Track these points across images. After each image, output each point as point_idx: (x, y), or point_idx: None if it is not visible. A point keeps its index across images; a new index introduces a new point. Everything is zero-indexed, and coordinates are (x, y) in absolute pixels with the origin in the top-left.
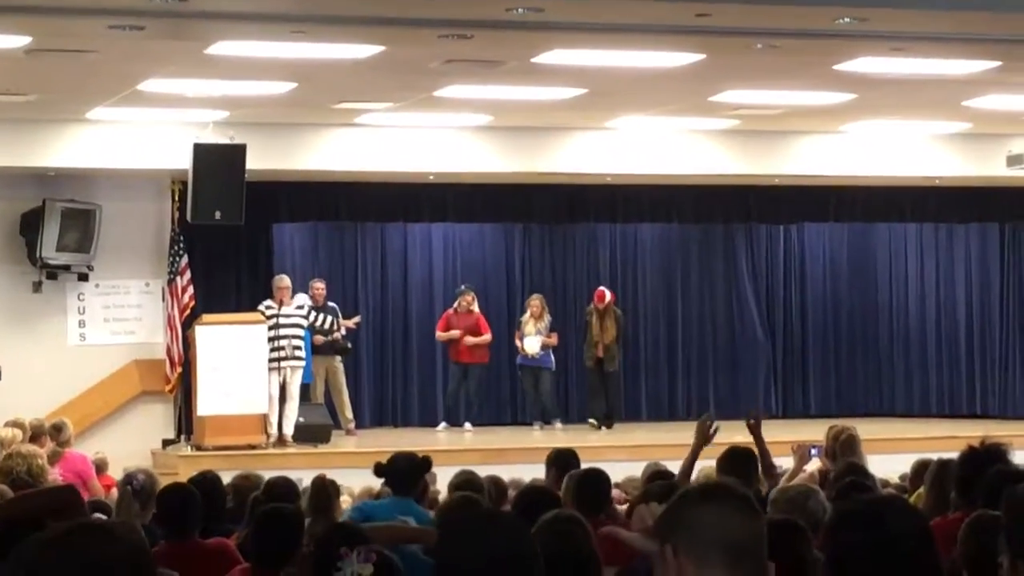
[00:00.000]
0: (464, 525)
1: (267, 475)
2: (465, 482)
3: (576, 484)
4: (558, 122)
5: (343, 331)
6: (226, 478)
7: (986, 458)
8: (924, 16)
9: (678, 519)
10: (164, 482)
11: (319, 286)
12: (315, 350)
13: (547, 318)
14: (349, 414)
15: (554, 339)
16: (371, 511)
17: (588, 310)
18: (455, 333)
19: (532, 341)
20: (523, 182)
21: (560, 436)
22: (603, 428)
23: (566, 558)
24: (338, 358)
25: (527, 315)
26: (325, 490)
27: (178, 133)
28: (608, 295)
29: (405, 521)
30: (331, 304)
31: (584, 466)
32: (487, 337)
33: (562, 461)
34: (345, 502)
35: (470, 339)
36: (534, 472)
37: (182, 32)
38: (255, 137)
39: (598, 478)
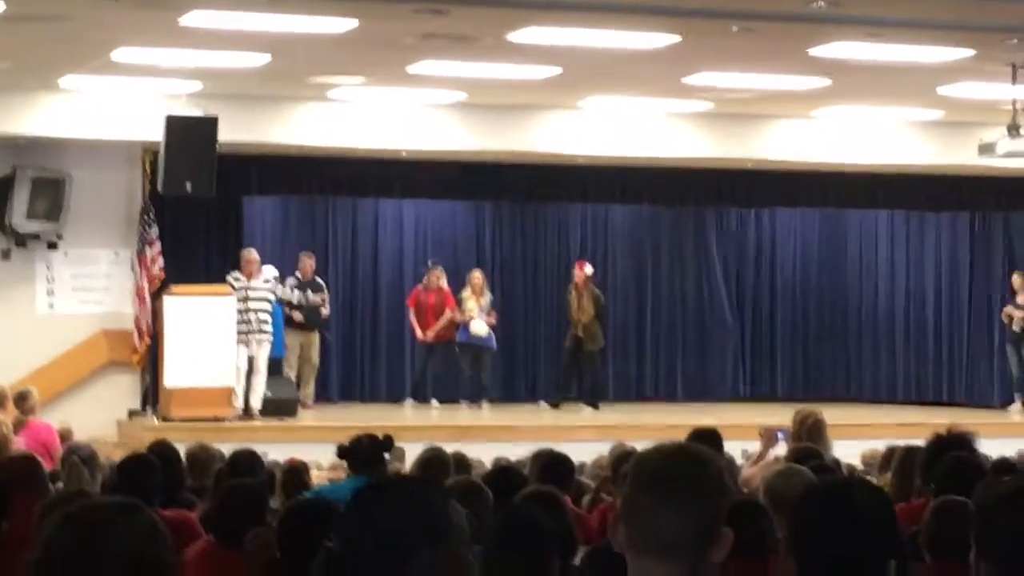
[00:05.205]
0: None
1: (233, 448)
2: (433, 458)
3: (540, 468)
4: (531, 101)
5: (326, 307)
6: (185, 450)
7: (952, 446)
8: (898, 1)
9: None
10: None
11: (308, 262)
12: (288, 322)
13: (488, 295)
14: (310, 389)
15: (493, 318)
16: (331, 493)
17: (568, 288)
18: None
19: (478, 324)
20: (495, 160)
21: (523, 415)
22: (589, 409)
23: (543, 534)
24: (316, 333)
25: (467, 291)
26: (299, 473)
27: (150, 104)
28: (588, 268)
29: None
30: (318, 280)
31: (549, 447)
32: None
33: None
34: (315, 476)
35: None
36: (501, 451)
37: (156, 1)
38: (228, 110)
39: (563, 462)
